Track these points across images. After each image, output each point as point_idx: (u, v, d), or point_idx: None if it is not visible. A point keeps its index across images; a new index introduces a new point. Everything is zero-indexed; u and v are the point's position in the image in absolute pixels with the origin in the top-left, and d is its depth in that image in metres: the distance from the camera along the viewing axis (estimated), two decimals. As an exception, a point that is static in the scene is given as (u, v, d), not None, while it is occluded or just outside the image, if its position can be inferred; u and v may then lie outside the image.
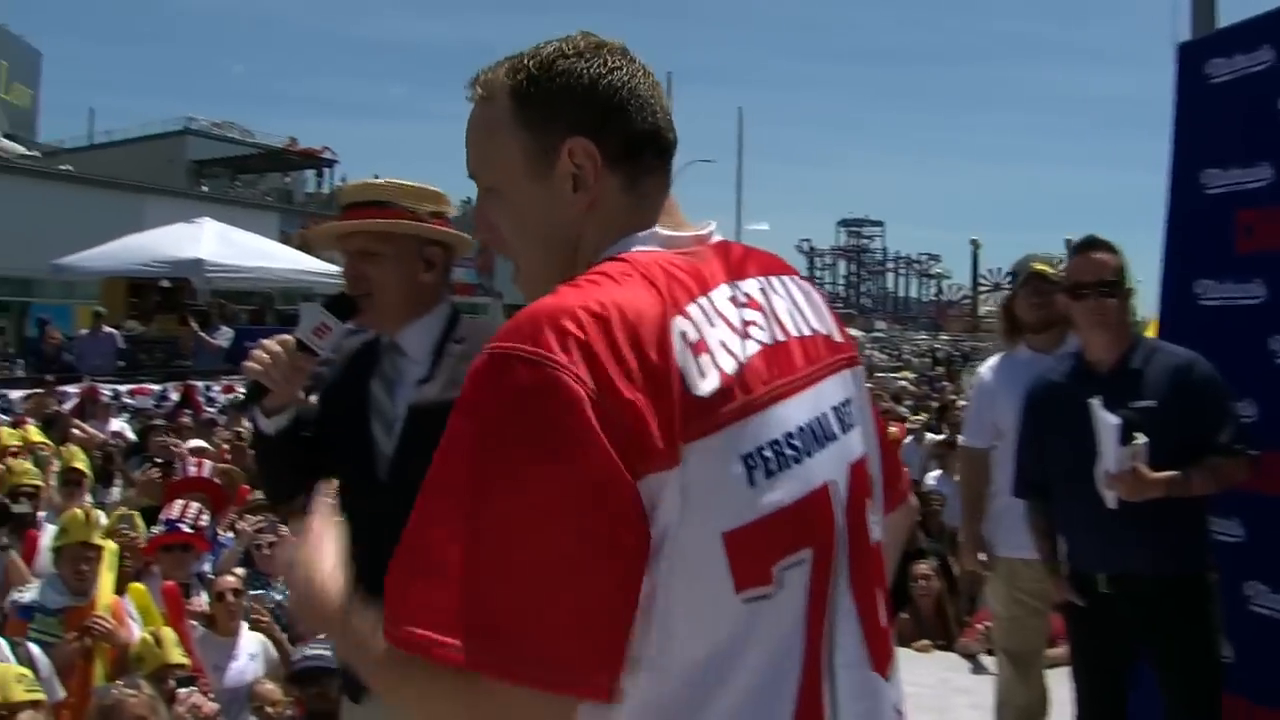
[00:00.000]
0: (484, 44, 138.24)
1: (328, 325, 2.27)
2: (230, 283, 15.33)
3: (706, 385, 1.06)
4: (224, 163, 39.42)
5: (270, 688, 4.05)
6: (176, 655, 3.77)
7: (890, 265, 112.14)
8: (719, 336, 1.10)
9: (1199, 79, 3.78)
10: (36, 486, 5.72)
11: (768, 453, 1.08)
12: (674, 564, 1.02)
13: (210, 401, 10.78)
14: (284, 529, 5.11)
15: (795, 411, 1.14)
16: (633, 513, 1.00)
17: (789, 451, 1.11)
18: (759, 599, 1.06)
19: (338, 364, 2.47)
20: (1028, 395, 3.48)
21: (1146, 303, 4.52)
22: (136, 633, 3.98)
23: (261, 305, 16.07)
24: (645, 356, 1.03)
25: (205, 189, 37.03)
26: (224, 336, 13.17)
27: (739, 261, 1.23)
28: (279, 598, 4.91)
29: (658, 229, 1.21)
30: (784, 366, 1.15)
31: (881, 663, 1.22)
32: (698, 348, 1.07)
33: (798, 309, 1.25)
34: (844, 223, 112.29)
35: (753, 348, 1.12)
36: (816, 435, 1.16)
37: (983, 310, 68.42)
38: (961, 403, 8.95)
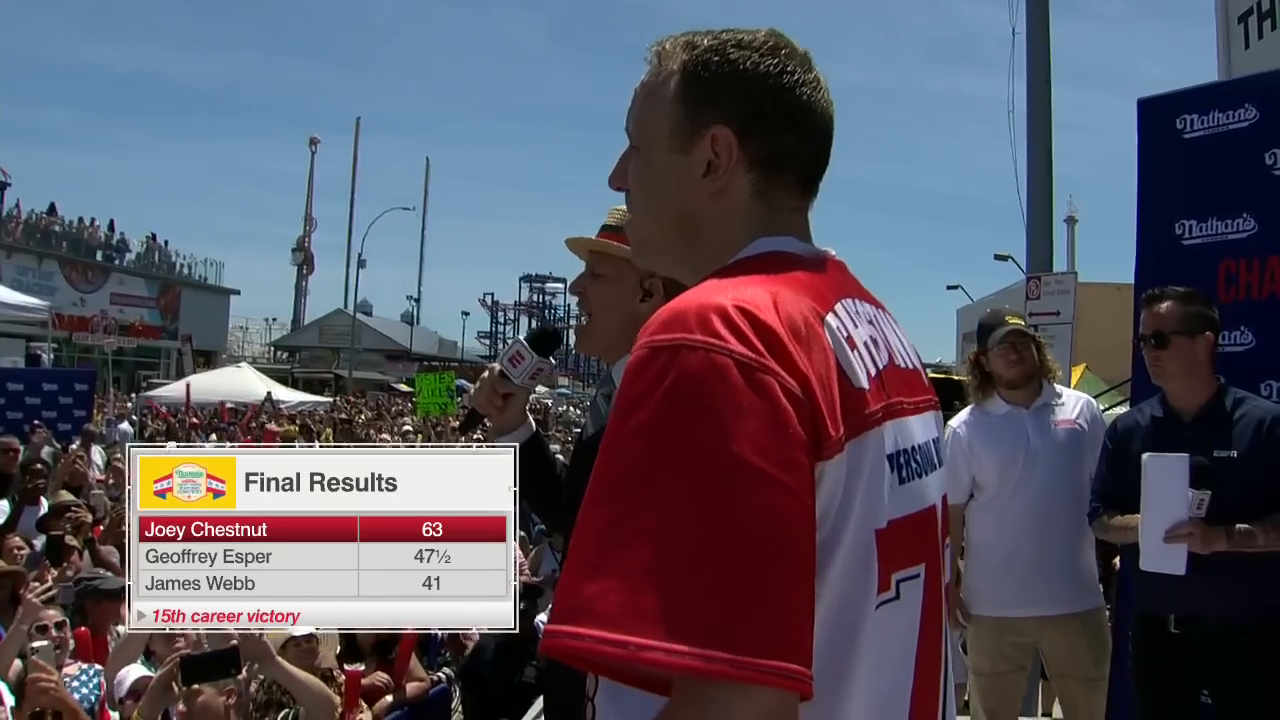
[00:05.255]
0: (159, 75, 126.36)
1: (522, 354, 2.36)
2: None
3: (862, 379, 1.05)
4: None
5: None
6: None
7: (573, 323, 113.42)
8: (862, 337, 1.10)
9: (1169, 133, 3.90)
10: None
11: (902, 459, 1.08)
12: (825, 558, 0.97)
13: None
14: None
15: (917, 429, 1.15)
16: (811, 495, 0.96)
17: (913, 464, 1.11)
18: (885, 603, 1.03)
19: (598, 414, 2.45)
20: (1110, 433, 3.48)
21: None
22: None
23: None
24: (805, 344, 1.01)
25: None
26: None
27: (854, 284, 1.23)
28: None
29: (792, 237, 1.19)
30: (902, 387, 1.15)
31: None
32: (850, 342, 1.07)
33: (901, 341, 1.25)
34: (526, 278, 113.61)
35: (882, 359, 1.13)
36: (928, 459, 1.16)
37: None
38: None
